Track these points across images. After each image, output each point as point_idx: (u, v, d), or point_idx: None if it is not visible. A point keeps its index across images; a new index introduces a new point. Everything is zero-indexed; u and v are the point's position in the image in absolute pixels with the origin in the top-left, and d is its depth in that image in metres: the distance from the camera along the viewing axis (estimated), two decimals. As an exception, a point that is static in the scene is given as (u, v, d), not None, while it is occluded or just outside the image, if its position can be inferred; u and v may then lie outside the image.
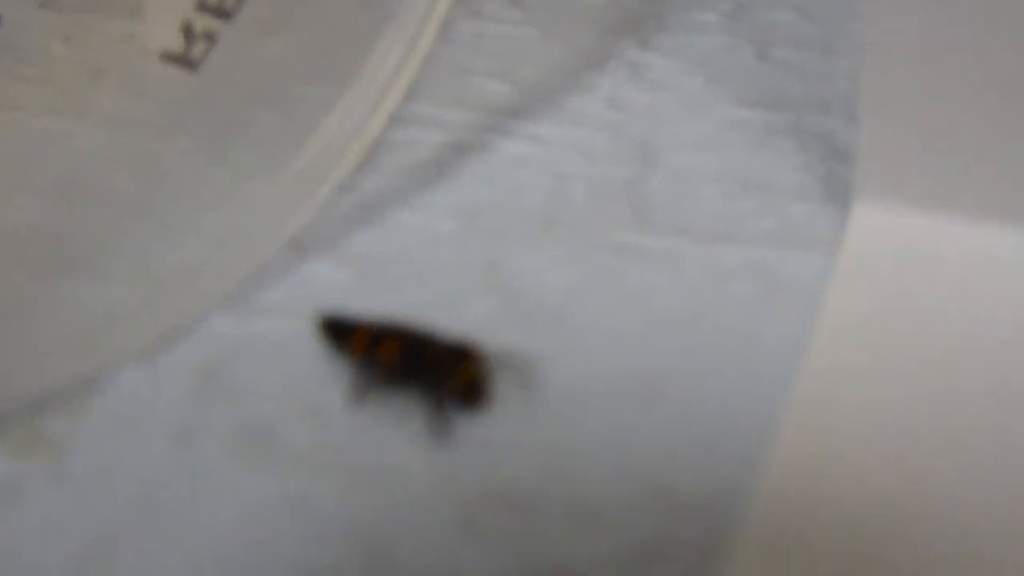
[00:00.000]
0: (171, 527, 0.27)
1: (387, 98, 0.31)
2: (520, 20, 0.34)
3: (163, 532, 0.27)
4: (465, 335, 0.29)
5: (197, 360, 0.29)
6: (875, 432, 0.28)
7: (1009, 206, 0.30)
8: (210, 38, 0.31)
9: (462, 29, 0.34)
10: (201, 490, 0.28)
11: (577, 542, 0.27)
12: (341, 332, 0.29)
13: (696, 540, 0.27)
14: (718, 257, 0.30)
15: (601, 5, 0.34)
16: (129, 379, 0.29)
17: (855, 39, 0.32)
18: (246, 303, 0.30)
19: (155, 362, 0.29)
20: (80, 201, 0.31)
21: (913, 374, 0.28)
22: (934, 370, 0.29)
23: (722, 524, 0.27)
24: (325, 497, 0.27)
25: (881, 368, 0.29)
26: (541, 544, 0.27)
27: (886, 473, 0.27)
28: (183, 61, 0.31)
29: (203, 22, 0.31)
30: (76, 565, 0.27)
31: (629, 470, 0.27)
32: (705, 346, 0.29)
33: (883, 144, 0.29)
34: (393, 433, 0.28)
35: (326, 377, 0.29)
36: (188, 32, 0.31)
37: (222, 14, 0.31)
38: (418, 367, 0.28)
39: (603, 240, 0.30)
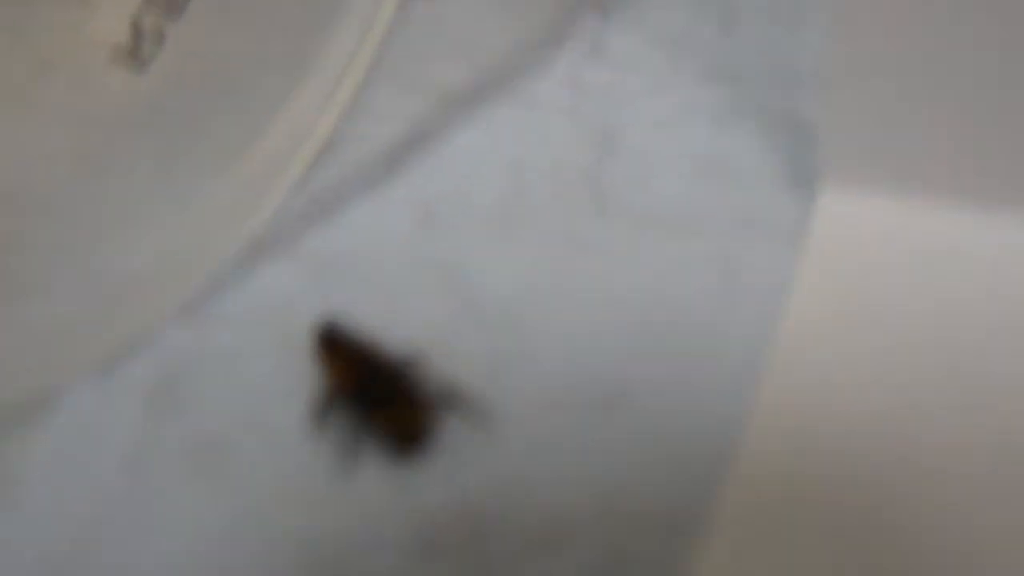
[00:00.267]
0: (124, 549, 0.27)
1: (341, 89, 0.30)
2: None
3: (116, 554, 0.27)
4: (420, 348, 0.28)
5: (149, 375, 0.29)
6: (844, 430, 0.28)
7: (978, 190, 0.29)
8: (159, 34, 0.30)
9: (416, 7, 0.32)
10: (155, 511, 0.27)
11: (535, 559, 0.26)
12: (333, 348, 0.28)
13: (656, 555, 0.26)
14: (680, 249, 0.29)
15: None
16: (80, 397, 0.28)
17: (824, 12, 0.31)
18: (199, 311, 0.29)
19: (108, 378, 0.29)
20: (25, 206, 0.30)
21: (881, 370, 0.28)
22: (902, 364, 0.28)
23: (683, 537, 0.26)
24: (281, 516, 0.27)
25: (848, 366, 0.28)
26: (499, 563, 0.26)
27: (854, 475, 0.27)
28: (133, 58, 0.30)
29: (151, 19, 0.30)
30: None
31: (589, 484, 0.27)
32: (667, 347, 0.28)
33: (848, 127, 0.29)
34: (349, 452, 0.28)
35: (282, 391, 0.28)
36: (137, 28, 0.30)
37: (171, 7, 0.30)
38: (366, 400, 0.28)
39: (562, 233, 0.30)
